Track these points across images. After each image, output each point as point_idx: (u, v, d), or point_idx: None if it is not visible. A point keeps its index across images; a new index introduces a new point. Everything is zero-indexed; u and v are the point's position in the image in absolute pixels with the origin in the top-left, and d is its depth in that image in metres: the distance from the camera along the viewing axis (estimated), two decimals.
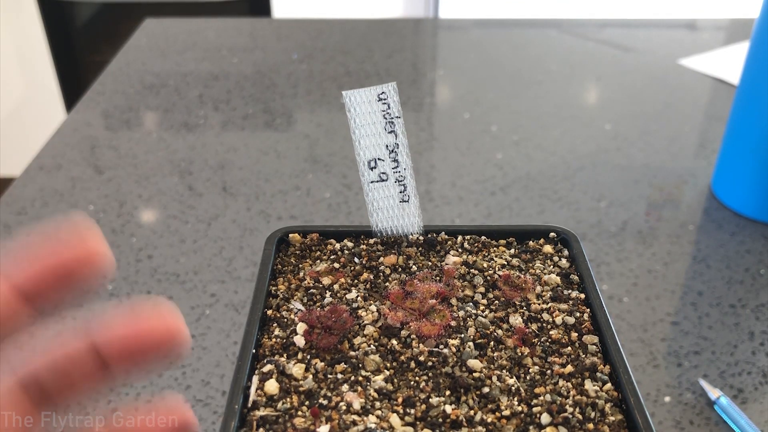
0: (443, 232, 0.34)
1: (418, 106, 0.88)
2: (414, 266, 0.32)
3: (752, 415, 0.47)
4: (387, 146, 0.33)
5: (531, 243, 0.34)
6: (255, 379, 0.26)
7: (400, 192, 0.33)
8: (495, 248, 0.34)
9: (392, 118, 0.32)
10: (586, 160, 0.76)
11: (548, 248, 0.34)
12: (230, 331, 0.54)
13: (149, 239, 0.64)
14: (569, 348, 0.28)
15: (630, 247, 0.62)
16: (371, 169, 0.33)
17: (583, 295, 0.31)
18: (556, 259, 0.33)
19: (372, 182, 0.33)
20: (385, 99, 0.32)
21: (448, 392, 0.26)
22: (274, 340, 0.28)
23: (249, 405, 0.25)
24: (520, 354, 0.28)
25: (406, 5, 1.72)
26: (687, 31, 1.12)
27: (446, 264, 0.32)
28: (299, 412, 0.25)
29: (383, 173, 0.33)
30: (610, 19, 1.25)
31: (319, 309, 0.29)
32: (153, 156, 0.77)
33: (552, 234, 0.34)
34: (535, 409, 0.25)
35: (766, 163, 0.63)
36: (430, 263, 0.32)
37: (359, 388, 0.26)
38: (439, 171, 0.74)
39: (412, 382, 0.26)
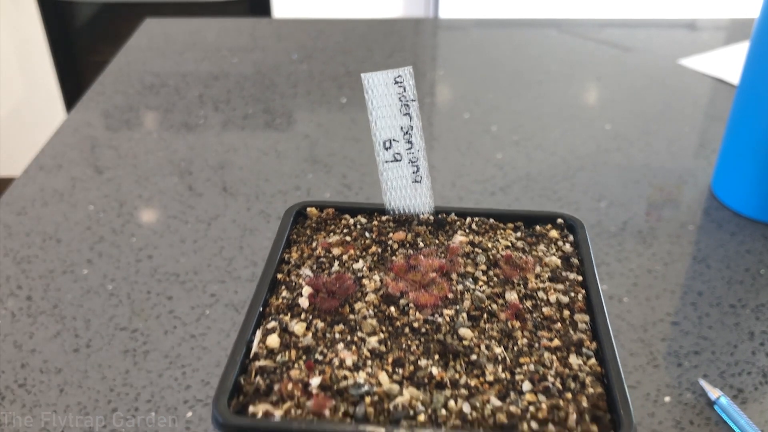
0: (453, 213, 0.35)
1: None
2: (421, 243, 0.33)
3: (752, 415, 0.47)
4: (402, 128, 0.34)
5: (538, 228, 0.35)
6: (258, 333, 0.28)
7: (413, 172, 0.34)
8: (502, 230, 0.35)
9: (408, 101, 0.33)
10: (586, 160, 0.76)
11: (554, 233, 0.35)
12: (230, 331, 0.54)
13: (149, 239, 0.64)
14: (559, 324, 0.29)
15: (630, 247, 0.62)
16: (386, 149, 0.34)
17: (581, 278, 0.32)
18: (560, 243, 0.34)
19: (386, 162, 0.34)
20: (401, 82, 0.33)
21: (437, 356, 0.27)
22: (280, 300, 0.30)
23: (251, 356, 0.27)
24: (511, 327, 0.29)
25: (406, 5, 1.72)
26: (687, 31, 1.12)
27: (452, 243, 0.33)
28: (296, 365, 0.26)
29: (398, 153, 0.34)
30: (610, 19, 1.25)
31: (326, 276, 0.31)
32: (153, 156, 0.77)
33: (559, 220, 0.35)
34: (517, 377, 0.26)
35: (766, 163, 0.63)
36: (437, 242, 0.33)
37: (354, 347, 0.27)
38: (439, 171, 0.74)
39: (404, 346, 0.27)
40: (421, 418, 0.25)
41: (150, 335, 0.53)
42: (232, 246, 0.63)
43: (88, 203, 0.69)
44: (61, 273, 0.60)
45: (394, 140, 0.34)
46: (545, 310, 0.30)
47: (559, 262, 0.33)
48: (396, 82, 0.33)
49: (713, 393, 0.47)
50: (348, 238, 0.34)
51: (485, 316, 0.29)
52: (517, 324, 0.29)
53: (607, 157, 0.76)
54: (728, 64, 0.96)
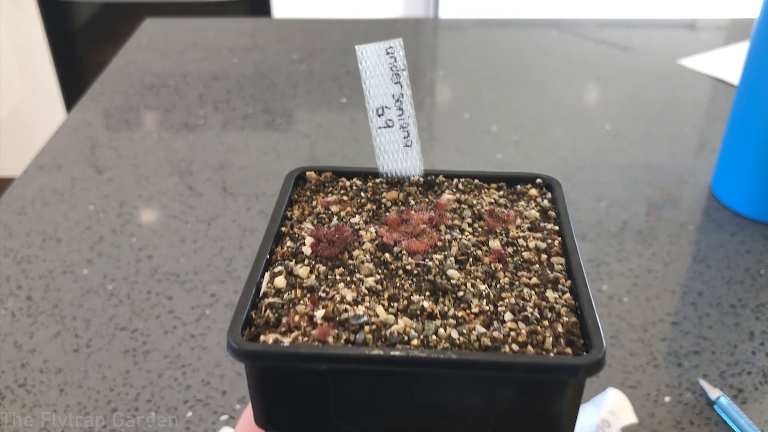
0: (441, 175, 0.38)
1: (418, 106, 0.88)
2: (412, 201, 0.37)
3: (752, 415, 0.47)
4: (393, 96, 0.36)
5: (519, 187, 0.39)
6: (267, 275, 0.31)
7: (404, 137, 0.37)
8: (486, 190, 0.38)
9: (398, 70, 0.36)
10: (586, 160, 0.76)
11: (534, 191, 0.38)
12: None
13: (149, 239, 0.64)
14: (537, 266, 0.32)
15: (630, 247, 0.62)
16: (379, 116, 0.37)
17: (557, 227, 0.35)
18: (539, 200, 0.38)
19: (379, 128, 0.37)
20: (392, 53, 0.36)
21: (428, 293, 0.30)
22: (285, 248, 0.33)
23: (260, 295, 0.30)
24: (494, 269, 0.32)
25: (406, 5, 1.72)
26: (687, 31, 1.12)
27: (440, 200, 0.36)
28: (301, 302, 0.30)
29: (389, 120, 0.37)
30: (610, 19, 1.25)
31: (326, 228, 0.34)
32: (153, 156, 0.77)
33: (538, 180, 0.39)
34: (500, 309, 0.30)
35: (766, 163, 0.63)
36: (427, 200, 0.37)
37: (353, 286, 0.30)
38: None
39: (398, 285, 0.31)
40: (415, 342, 0.28)
41: (150, 335, 0.53)
42: (232, 246, 0.63)
43: (88, 203, 0.69)
44: (61, 273, 0.60)
45: (386, 107, 0.37)
46: (525, 254, 0.33)
47: (537, 215, 0.36)
48: (387, 53, 0.36)
49: (713, 393, 0.47)
50: (345, 198, 0.37)
51: (471, 260, 0.32)
52: (500, 266, 0.32)
53: (607, 157, 0.76)
54: (728, 64, 0.96)
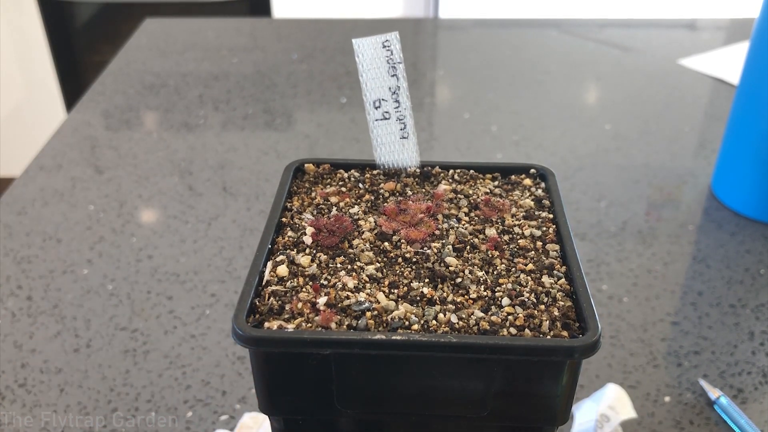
0: (437, 167, 0.39)
1: (418, 106, 0.88)
2: (410, 192, 0.37)
3: (752, 415, 0.47)
4: (390, 88, 0.37)
5: (513, 177, 0.39)
6: (269, 264, 0.32)
7: (401, 129, 0.37)
8: (481, 180, 0.39)
9: (395, 63, 0.37)
10: (586, 160, 0.76)
11: (528, 181, 0.39)
12: (230, 331, 0.54)
13: (149, 239, 0.64)
14: (533, 252, 0.33)
15: (630, 247, 0.62)
16: (376, 108, 0.37)
17: (551, 216, 0.36)
18: (533, 189, 0.38)
19: (377, 120, 0.37)
20: (388, 46, 0.37)
21: (427, 280, 0.31)
22: (286, 238, 0.34)
23: (263, 284, 0.31)
24: (491, 256, 0.33)
25: (406, 5, 1.72)
26: (687, 31, 1.12)
27: (437, 190, 0.37)
28: (304, 290, 0.30)
29: (386, 112, 0.37)
30: (610, 19, 1.25)
31: (326, 218, 0.35)
32: (153, 156, 0.77)
33: (532, 170, 0.40)
34: (497, 294, 0.30)
35: (766, 163, 0.63)
36: (424, 191, 0.37)
37: (354, 274, 0.31)
38: None
39: (398, 272, 0.32)
40: (415, 327, 0.29)
41: (150, 335, 0.53)
42: (232, 246, 0.63)
43: (88, 203, 0.69)
44: (61, 273, 0.60)
45: (383, 100, 0.37)
46: (521, 241, 0.34)
47: (532, 203, 0.37)
48: (384, 46, 0.37)
49: (713, 393, 0.47)
50: (343, 189, 0.37)
51: (468, 248, 0.33)
52: (496, 253, 0.33)
53: (607, 157, 0.76)
54: (728, 64, 0.96)
